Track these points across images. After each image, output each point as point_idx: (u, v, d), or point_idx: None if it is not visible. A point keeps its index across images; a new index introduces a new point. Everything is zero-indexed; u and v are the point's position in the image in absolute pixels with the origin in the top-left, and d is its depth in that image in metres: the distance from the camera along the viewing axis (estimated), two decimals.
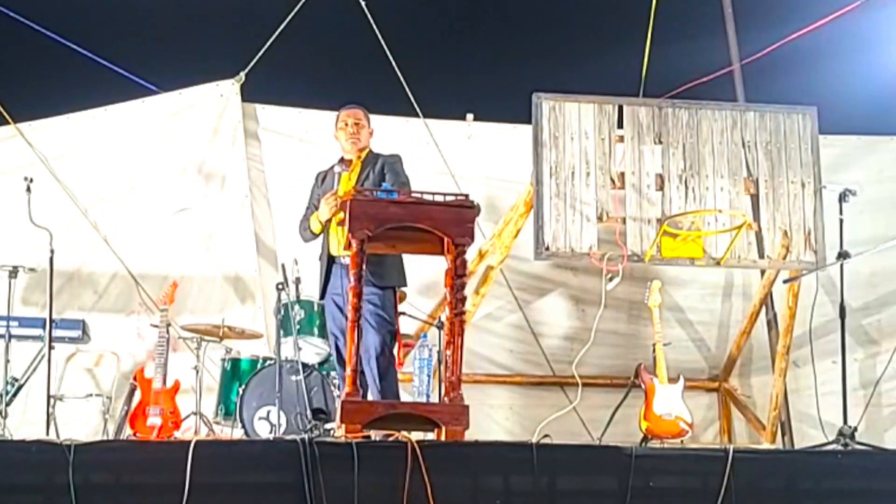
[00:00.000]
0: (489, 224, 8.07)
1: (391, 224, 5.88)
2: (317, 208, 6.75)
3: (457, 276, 5.90)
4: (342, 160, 6.83)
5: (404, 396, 6.83)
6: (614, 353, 8.66)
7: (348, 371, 5.85)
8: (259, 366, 7.31)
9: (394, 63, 8.34)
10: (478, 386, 8.42)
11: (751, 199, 7.67)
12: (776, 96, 8.17)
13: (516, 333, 8.74)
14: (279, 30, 8.33)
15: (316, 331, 7.37)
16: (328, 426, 6.54)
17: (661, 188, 7.59)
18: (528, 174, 7.64)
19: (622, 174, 7.60)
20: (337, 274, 6.57)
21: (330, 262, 6.66)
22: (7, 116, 8.09)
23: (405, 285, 6.82)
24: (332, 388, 7.10)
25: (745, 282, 8.84)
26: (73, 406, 7.64)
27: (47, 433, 7.03)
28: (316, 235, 6.77)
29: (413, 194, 6.08)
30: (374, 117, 7.06)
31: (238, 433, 7.10)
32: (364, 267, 6.02)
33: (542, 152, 7.54)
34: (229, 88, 8.41)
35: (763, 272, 8.21)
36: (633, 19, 8.77)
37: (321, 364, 7.39)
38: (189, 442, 5.44)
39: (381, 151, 6.86)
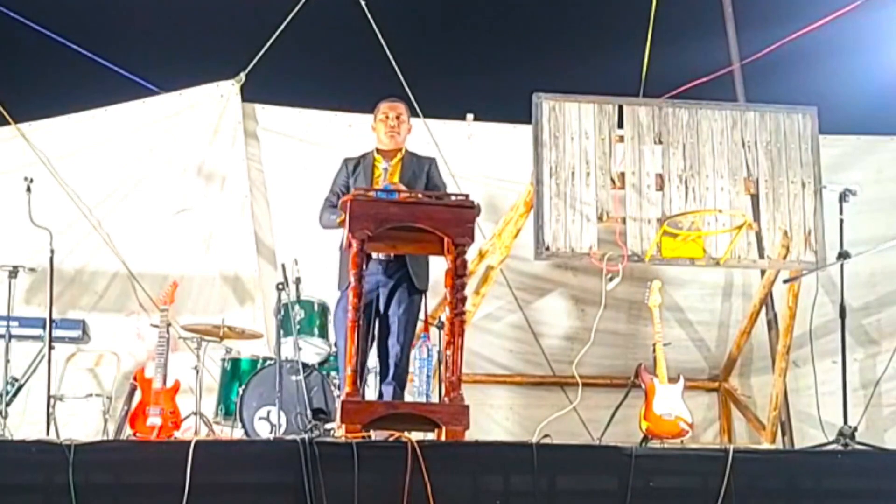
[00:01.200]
0: (489, 224, 8.07)
1: (391, 224, 5.88)
2: (338, 194, 6.62)
3: (457, 276, 5.90)
4: (379, 151, 6.75)
5: (404, 396, 6.83)
6: (614, 353, 8.66)
7: (348, 371, 5.85)
8: (259, 366, 7.31)
9: (394, 63, 8.34)
10: (478, 386, 8.42)
11: (751, 199, 7.67)
12: (776, 96, 8.17)
13: (516, 333, 8.74)
14: (279, 30, 8.33)
15: (316, 331, 7.37)
16: (328, 426, 6.54)
17: (661, 188, 7.60)
18: (528, 174, 7.64)
19: (622, 174, 7.61)
20: (372, 270, 6.39)
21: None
22: (7, 117, 8.10)
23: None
24: (332, 388, 7.10)
25: (745, 282, 8.84)
26: (73, 406, 7.64)
27: (47, 433, 7.04)
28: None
29: (413, 194, 6.09)
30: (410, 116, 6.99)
31: (238, 433, 7.10)
32: (408, 267, 6.31)
33: (542, 152, 7.54)
34: (229, 89, 8.41)
35: (763, 272, 8.21)
36: (633, 19, 8.77)
37: (321, 364, 7.40)
38: (189, 442, 5.45)
39: (415, 151, 6.83)
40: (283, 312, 6.87)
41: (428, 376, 7.22)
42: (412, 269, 6.47)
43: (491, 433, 8.36)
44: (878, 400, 8.36)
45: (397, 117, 6.77)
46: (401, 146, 6.76)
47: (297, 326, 7.12)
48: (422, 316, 6.73)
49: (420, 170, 6.70)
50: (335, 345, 7.19)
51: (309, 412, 6.63)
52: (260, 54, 8.34)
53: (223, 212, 8.43)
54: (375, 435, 5.95)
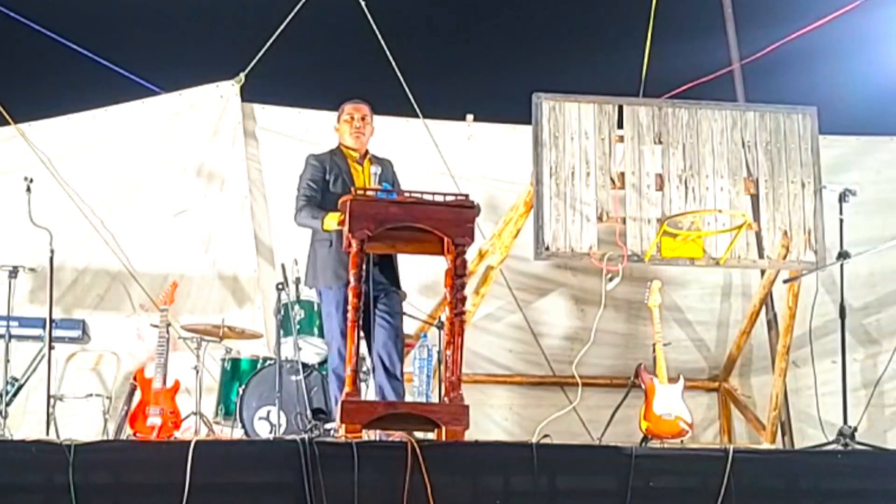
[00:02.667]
0: (489, 224, 8.07)
1: (391, 224, 5.89)
2: (316, 190, 6.61)
3: (457, 276, 5.91)
4: (349, 151, 6.76)
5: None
6: (614, 353, 8.66)
7: (348, 371, 5.85)
8: (259, 366, 7.32)
9: (394, 63, 8.34)
10: (478, 386, 8.42)
11: (751, 199, 7.67)
12: (776, 96, 8.17)
13: (516, 333, 8.74)
14: (279, 30, 8.33)
15: (316, 331, 7.37)
16: (328, 426, 6.55)
17: (661, 188, 7.59)
18: (528, 174, 7.64)
19: (622, 174, 7.60)
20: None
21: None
22: (8, 117, 8.10)
23: None
24: None
25: (745, 282, 8.84)
26: (74, 406, 7.64)
27: (47, 433, 7.03)
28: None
29: (413, 194, 6.09)
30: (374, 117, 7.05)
31: (238, 433, 7.10)
32: (393, 268, 6.39)
33: (542, 152, 7.54)
34: (229, 89, 8.41)
35: (763, 272, 8.21)
36: (633, 19, 8.78)
37: (321, 364, 7.40)
38: (189, 442, 5.45)
39: (375, 152, 6.84)
40: (282, 312, 6.88)
41: (428, 376, 7.24)
42: (397, 269, 6.56)
43: (491, 433, 8.36)
44: (878, 400, 8.37)
45: (362, 118, 6.79)
46: (365, 147, 6.79)
47: (297, 326, 7.13)
48: (415, 312, 6.77)
49: (386, 171, 6.72)
50: None
51: (309, 412, 6.63)
52: (260, 54, 8.34)
53: (223, 212, 8.43)
54: (375, 435, 5.95)
